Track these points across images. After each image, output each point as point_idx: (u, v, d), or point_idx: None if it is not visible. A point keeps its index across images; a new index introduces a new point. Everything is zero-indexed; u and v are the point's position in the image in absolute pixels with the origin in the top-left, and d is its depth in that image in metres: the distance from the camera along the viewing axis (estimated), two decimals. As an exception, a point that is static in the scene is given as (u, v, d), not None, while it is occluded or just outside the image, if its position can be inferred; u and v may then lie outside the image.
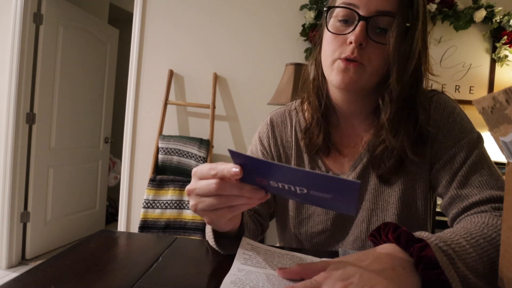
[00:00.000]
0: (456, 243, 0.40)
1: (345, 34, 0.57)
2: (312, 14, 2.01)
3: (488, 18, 1.95)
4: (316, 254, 0.49)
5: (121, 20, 3.52)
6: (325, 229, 0.67)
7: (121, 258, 0.47)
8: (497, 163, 1.74)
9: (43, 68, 2.38)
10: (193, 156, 1.99)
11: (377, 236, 0.44)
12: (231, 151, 0.37)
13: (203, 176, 0.41)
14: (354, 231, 0.65)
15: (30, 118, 2.34)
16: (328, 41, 0.60)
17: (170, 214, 1.93)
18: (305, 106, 0.71)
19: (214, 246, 0.50)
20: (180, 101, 2.18)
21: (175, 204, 1.94)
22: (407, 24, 0.55)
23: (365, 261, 0.37)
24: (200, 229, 1.91)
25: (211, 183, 0.39)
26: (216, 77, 2.15)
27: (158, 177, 1.97)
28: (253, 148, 0.75)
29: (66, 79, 2.59)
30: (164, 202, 1.93)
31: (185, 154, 2.01)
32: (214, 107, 2.10)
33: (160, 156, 2.03)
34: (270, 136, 0.72)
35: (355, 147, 0.66)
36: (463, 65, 2.04)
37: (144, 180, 2.18)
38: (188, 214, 1.94)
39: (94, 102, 2.91)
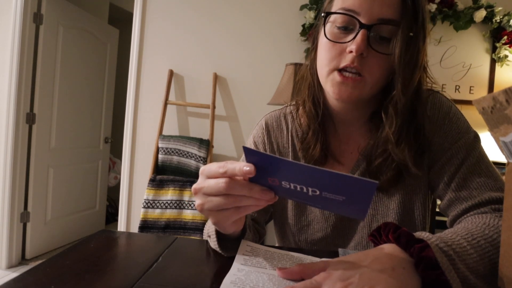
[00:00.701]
0: (457, 244, 0.39)
1: (345, 42, 0.53)
2: (312, 14, 2.01)
3: (488, 18, 1.95)
4: (316, 254, 0.49)
5: (121, 20, 3.52)
6: (325, 236, 0.65)
7: (121, 258, 0.47)
8: (497, 163, 1.74)
9: (43, 68, 2.38)
10: (193, 156, 1.99)
11: (377, 236, 0.44)
12: (245, 148, 0.35)
13: (212, 175, 0.39)
14: (354, 237, 0.64)
15: (30, 118, 2.34)
16: (325, 48, 0.56)
17: (170, 214, 1.93)
18: (301, 111, 0.68)
19: (216, 248, 0.49)
20: (180, 101, 2.18)
21: (175, 204, 1.94)
22: (411, 34, 0.51)
23: (365, 261, 0.37)
24: (200, 229, 1.91)
25: (220, 182, 0.38)
26: (216, 77, 2.15)
27: (158, 177, 1.97)
28: None
29: (66, 79, 2.59)
30: (164, 202, 1.93)
31: (185, 154, 2.01)
32: (214, 107, 2.10)
33: (160, 156, 2.03)
34: (266, 141, 0.70)
35: (352, 153, 0.65)
36: (463, 65, 2.04)
37: (144, 180, 2.18)
38: (188, 214, 1.94)
39: (94, 102, 2.91)
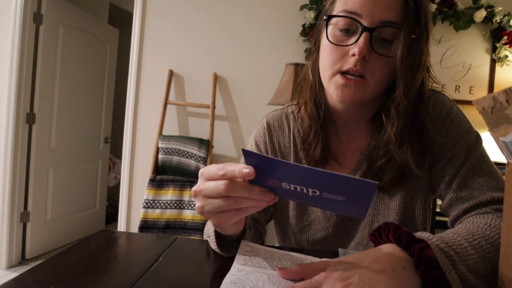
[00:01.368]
0: (458, 244, 0.39)
1: (347, 45, 0.53)
2: (312, 14, 2.01)
3: (488, 18, 1.95)
4: (316, 254, 0.49)
5: (121, 20, 3.52)
6: (326, 236, 0.65)
7: (121, 258, 0.47)
8: (497, 163, 1.74)
9: (43, 68, 2.38)
10: (193, 156, 1.99)
11: (377, 236, 0.44)
12: (244, 151, 0.36)
13: (211, 177, 0.39)
14: (355, 237, 0.64)
15: (30, 118, 2.34)
16: (327, 50, 0.56)
17: (170, 214, 1.93)
18: (302, 111, 0.68)
19: (216, 249, 0.49)
20: (180, 101, 2.18)
21: (175, 204, 1.94)
22: (413, 36, 0.51)
23: (365, 261, 0.37)
24: (200, 229, 1.91)
25: (219, 184, 0.38)
26: (216, 77, 2.15)
27: (158, 177, 1.97)
28: None
29: (66, 79, 2.59)
30: (164, 202, 1.93)
31: (185, 154, 2.01)
32: (214, 107, 2.10)
33: (160, 156, 2.03)
34: (267, 141, 0.69)
35: (354, 153, 0.65)
36: (463, 65, 2.04)
37: (144, 180, 2.18)
38: (188, 214, 1.94)
39: (94, 102, 2.91)
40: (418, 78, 0.54)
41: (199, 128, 2.19)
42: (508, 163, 0.32)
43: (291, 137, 0.68)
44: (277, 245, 0.78)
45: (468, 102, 1.94)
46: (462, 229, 0.44)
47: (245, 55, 2.16)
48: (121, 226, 2.23)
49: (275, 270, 0.42)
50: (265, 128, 0.70)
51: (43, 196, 2.49)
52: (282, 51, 2.12)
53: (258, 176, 0.36)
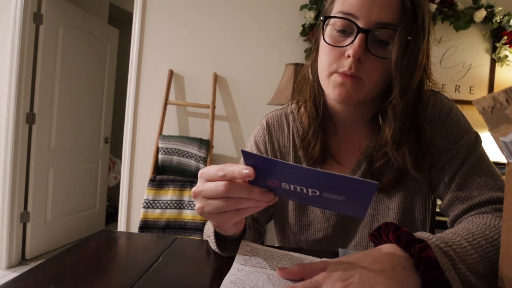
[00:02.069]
0: (458, 244, 0.39)
1: (343, 46, 0.53)
2: (312, 14, 2.01)
3: (488, 18, 1.95)
4: (316, 254, 0.49)
5: (121, 20, 3.52)
6: (326, 236, 0.65)
7: (121, 258, 0.47)
8: (497, 163, 1.74)
9: (43, 68, 2.38)
10: (193, 156, 1.99)
11: (377, 236, 0.44)
12: (244, 152, 0.36)
13: (211, 178, 0.39)
14: (355, 237, 0.64)
15: (30, 118, 2.34)
16: (325, 51, 0.56)
17: (170, 214, 1.93)
18: (302, 110, 0.68)
19: (216, 249, 0.49)
20: (180, 101, 2.18)
21: (175, 204, 1.94)
22: (409, 38, 0.51)
23: (365, 261, 0.37)
24: (200, 229, 1.91)
25: (219, 185, 0.38)
26: (216, 77, 2.15)
27: (158, 177, 1.97)
28: None
29: (66, 79, 2.59)
30: (164, 202, 1.93)
31: (185, 154, 2.01)
32: (214, 107, 2.10)
33: (160, 156, 2.03)
34: (267, 141, 0.69)
35: (353, 153, 0.65)
36: (463, 65, 2.04)
37: (144, 180, 2.18)
38: (188, 214, 1.94)
39: (94, 102, 2.91)
40: (415, 79, 0.54)
41: (199, 128, 2.19)
42: (508, 163, 0.32)
43: (291, 137, 0.69)
44: (277, 245, 0.78)
45: (468, 102, 1.94)
46: (461, 229, 0.44)
47: (245, 55, 2.16)
48: (121, 226, 2.23)
49: (275, 270, 0.42)
50: (265, 128, 0.70)
51: (43, 196, 2.49)
52: (282, 51, 2.12)
53: (258, 176, 0.37)
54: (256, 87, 2.16)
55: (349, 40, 0.53)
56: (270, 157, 0.69)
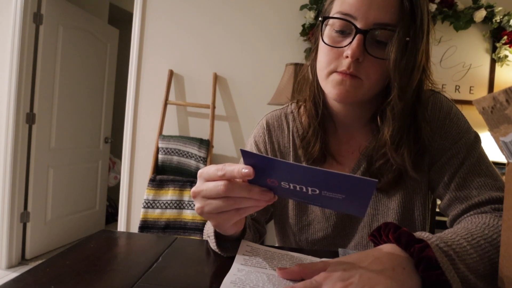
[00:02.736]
0: (457, 244, 0.39)
1: (341, 47, 0.53)
2: (312, 14, 2.01)
3: (488, 18, 1.95)
4: (316, 254, 0.49)
5: (121, 20, 3.52)
6: (326, 236, 0.66)
7: (121, 258, 0.47)
8: (497, 163, 1.74)
9: (43, 68, 2.38)
10: (193, 156, 1.99)
11: (377, 236, 0.44)
12: (243, 151, 0.36)
13: (210, 178, 0.39)
14: (355, 237, 0.64)
15: (30, 118, 2.34)
16: (323, 51, 0.56)
17: (170, 214, 1.93)
18: (302, 110, 0.68)
19: (216, 249, 0.49)
20: (180, 101, 2.18)
21: (175, 204, 1.94)
22: (407, 38, 0.51)
23: (365, 261, 0.37)
24: (200, 229, 1.91)
25: (219, 185, 0.38)
26: (216, 77, 2.15)
27: (158, 177, 1.97)
28: None
29: (66, 79, 2.59)
30: (164, 202, 1.93)
31: (185, 154, 2.01)
32: (214, 107, 2.10)
33: (160, 156, 2.03)
34: (266, 141, 0.70)
35: (353, 153, 0.65)
36: (463, 65, 2.04)
37: (144, 180, 2.18)
38: (188, 214, 1.94)
39: (94, 102, 2.91)
40: (414, 80, 0.54)
41: (199, 128, 2.19)
42: (508, 163, 0.32)
43: (291, 136, 0.69)
44: (277, 245, 0.78)
45: (468, 102, 1.94)
46: (461, 229, 0.44)
47: (245, 55, 2.16)
48: (121, 226, 2.23)
49: (275, 270, 0.42)
50: (265, 128, 0.70)
51: (43, 196, 2.49)
52: (282, 51, 2.12)
53: (257, 175, 0.37)
54: (256, 87, 2.16)
55: (348, 40, 0.53)
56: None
